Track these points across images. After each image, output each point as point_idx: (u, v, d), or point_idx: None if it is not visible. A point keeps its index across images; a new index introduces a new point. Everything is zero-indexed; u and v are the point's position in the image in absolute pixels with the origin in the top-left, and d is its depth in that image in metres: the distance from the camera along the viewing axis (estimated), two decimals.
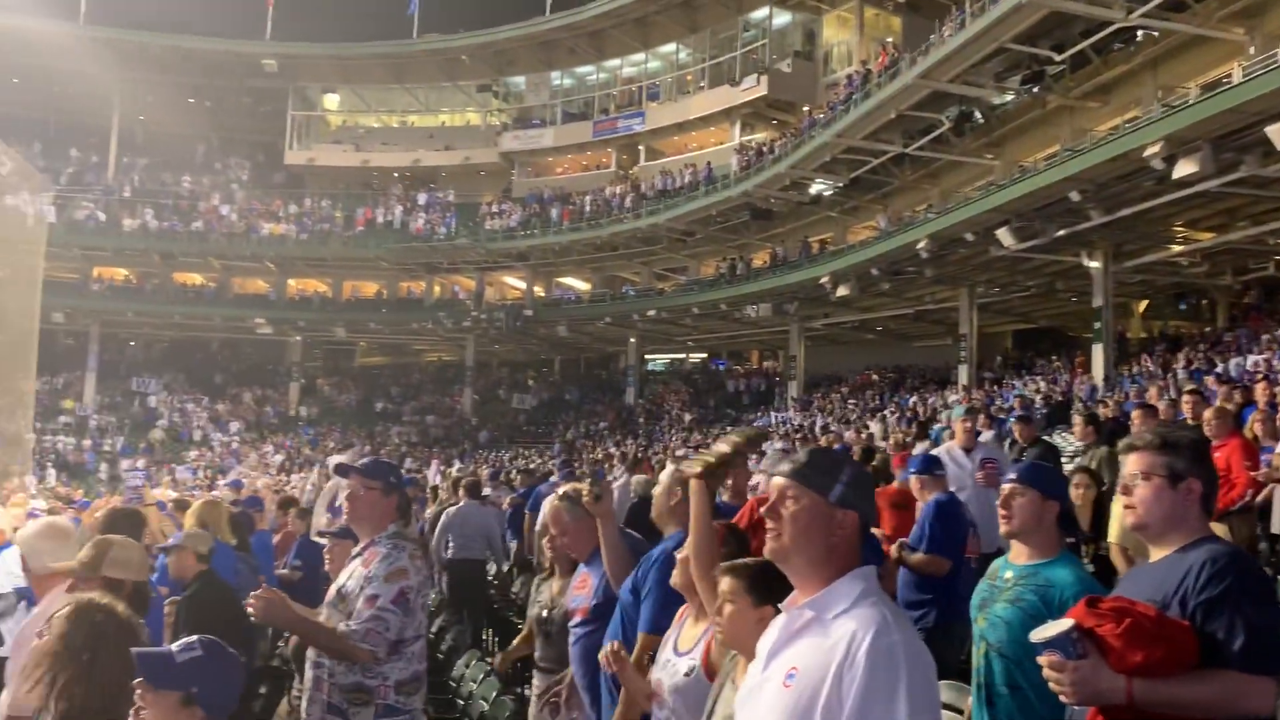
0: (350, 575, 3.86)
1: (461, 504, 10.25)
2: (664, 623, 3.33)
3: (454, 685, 6.06)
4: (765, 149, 30.46)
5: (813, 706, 1.96)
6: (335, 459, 17.36)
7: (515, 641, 5.30)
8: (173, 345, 43.39)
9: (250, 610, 3.59)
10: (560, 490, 4.62)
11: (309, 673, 3.87)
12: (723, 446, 3.33)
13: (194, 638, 2.52)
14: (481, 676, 5.62)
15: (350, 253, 39.96)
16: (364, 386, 42.69)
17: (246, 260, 40.57)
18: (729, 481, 5.13)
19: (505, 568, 11.48)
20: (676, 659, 3.11)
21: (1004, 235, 19.76)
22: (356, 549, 3.95)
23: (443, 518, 10.15)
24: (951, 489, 6.31)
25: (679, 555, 3.24)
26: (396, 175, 42.60)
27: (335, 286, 42.27)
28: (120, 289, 40.92)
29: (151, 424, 38.24)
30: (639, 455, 19.26)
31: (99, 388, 39.91)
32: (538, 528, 7.81)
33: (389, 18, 61.54)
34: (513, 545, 11.53)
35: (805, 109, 30.23)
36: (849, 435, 18.12)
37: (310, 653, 3.85)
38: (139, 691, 2.41)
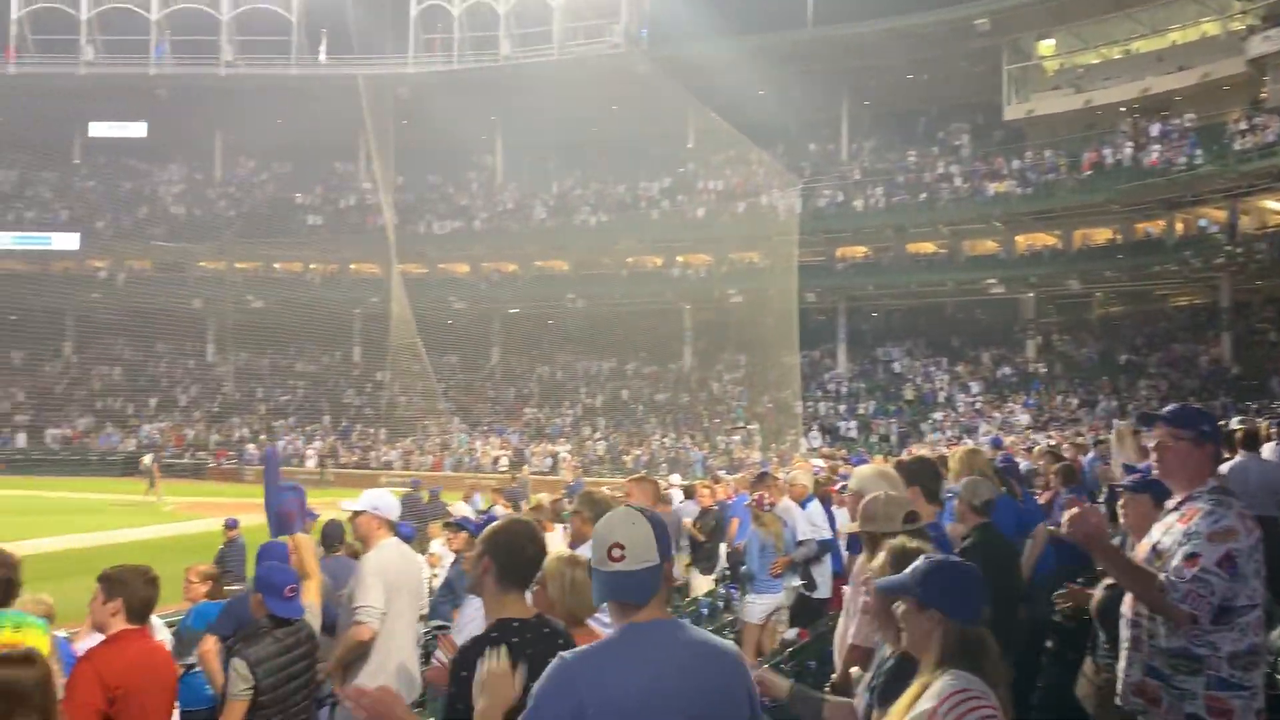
0: (1166, 531, 3.59)
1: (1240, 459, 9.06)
2: None
3: None
4: None
5: None
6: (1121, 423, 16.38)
7: None
8: (910, 313, 45.77)
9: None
10: None
11: (1124, 632, 3.69)
12: None
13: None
14: None
15: (1078, 200, 38.27)
16: (1104, 339, 40.45)
17: (974, 223, 41.22)
18: None
19: None
20: None
21: None
22: (1171, 503, 3.66)
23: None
24: None
25: None
26: (1123, 110, 39.61)
27: (1065, 238, 40.83)
28: (860, 265, 44.48)
29: (898, 389, 40.85)
30: None
31: (849, 357, 43.87)
32: None
33: None
34: None
35: None
36: None
37: (1126, 609, 3.67)
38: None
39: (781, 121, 45.56)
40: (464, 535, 7.75)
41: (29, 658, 2.93)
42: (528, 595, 3.30)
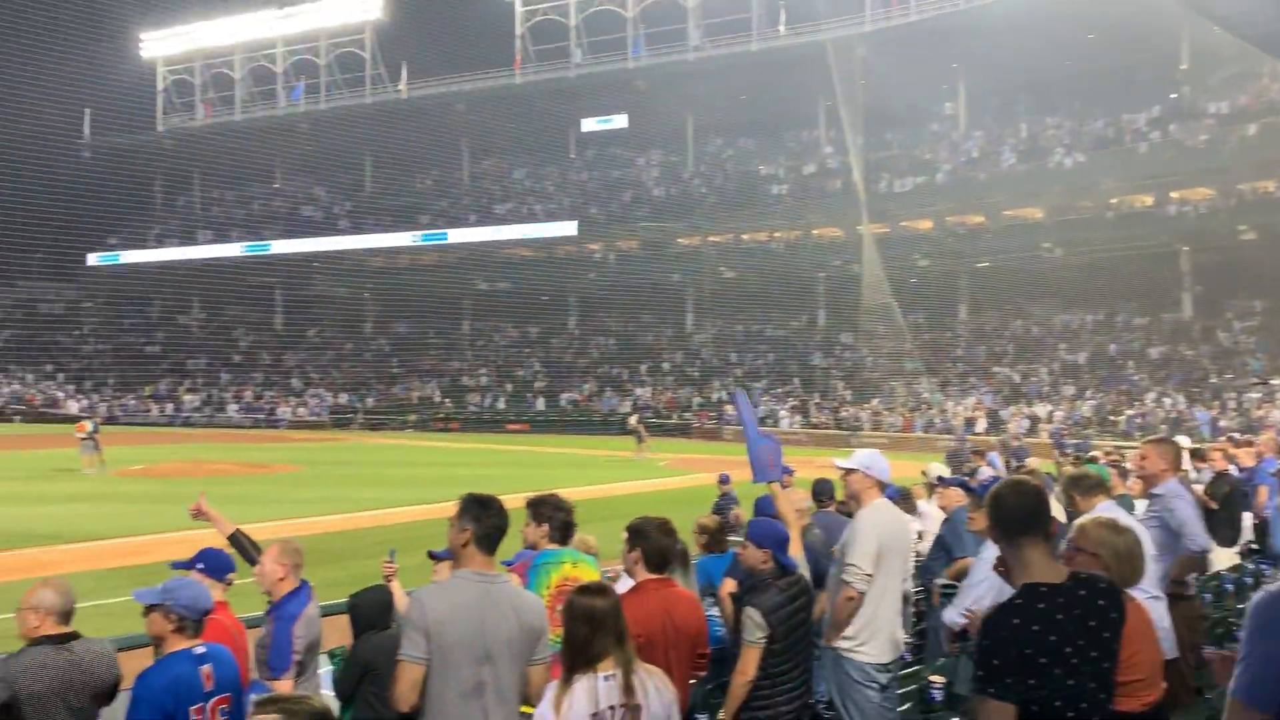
0: None
1: None
2: None
3: None
4: None
5: None
6: None
7: None
8: None
9: None
10: None
11: None
12: None
13: None
14: None
15: None
16: None
17: None
18: None
19: None
20: None
21: None
22: None
23: None
24: None
25: None
26: None
27: None
28: None
29: None
30: None
31: None
32: None
33: None
34: None
35: None
36: None
37: None
38: None
39: None
40: (954, 492, 7.61)
41: (603, 589, 3.45)
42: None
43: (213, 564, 4.70)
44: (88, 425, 28.72)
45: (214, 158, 61.58)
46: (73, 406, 51.50)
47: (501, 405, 51.36)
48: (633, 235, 54.91)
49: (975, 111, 50.39)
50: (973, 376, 44.01)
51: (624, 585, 4.49)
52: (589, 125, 59.06)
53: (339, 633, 5.96)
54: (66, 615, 4.05)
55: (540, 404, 50.81)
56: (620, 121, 57.78)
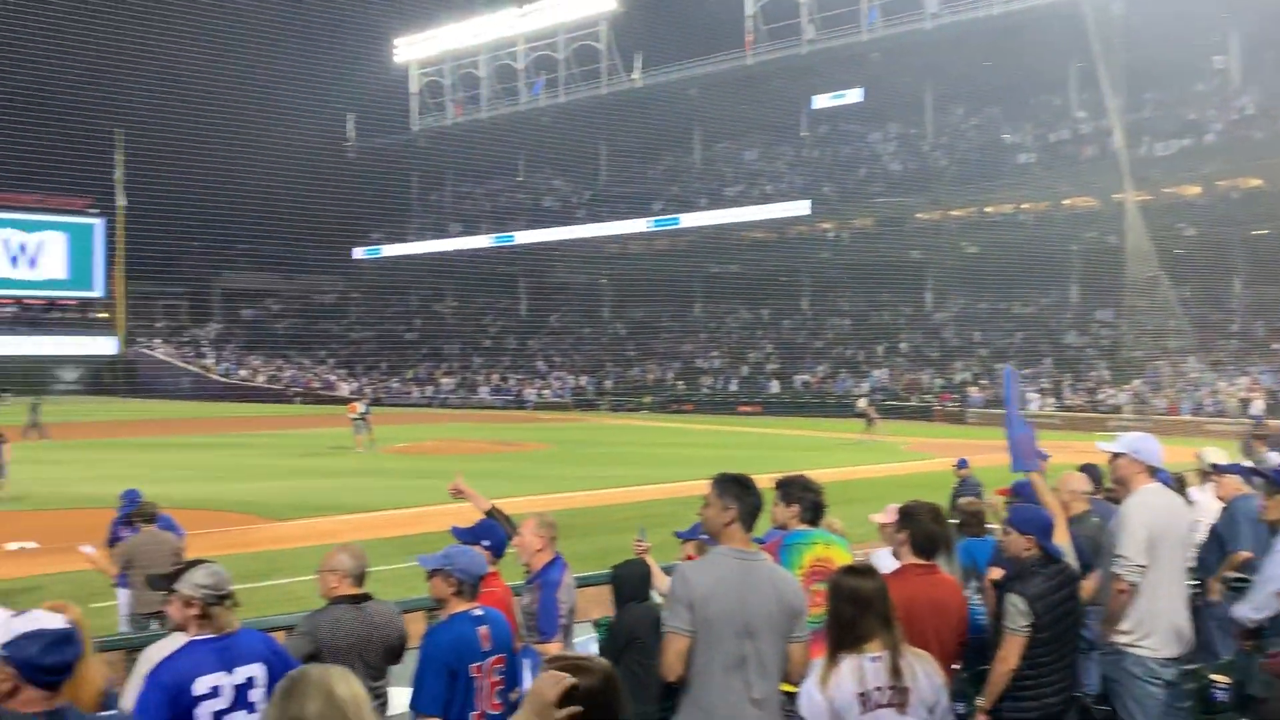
0: None
1: None
2: None
3: None
4: None
5: None
6: None
7: None
8: None
9: None
10: None
11: None
12: None
13: None
14: None
15: None
16: None
17: None
18: None
19: None
20: None
21: None
22: None
23: None
24: None
25: None
26: None
27: None
28: None
29: None
30: None
31: None
32: None
33: None
34: None
35: None
36: None
37: None
38: None
39: None
40: (1232, 480, 7.03)
41: (869, 570, 3.47)
42: None
43: (495, 542, 5.01)
44: (359, 406, 31.19)
45: (463, 154, 65.18)
46: (344, 389, 56.06)
47: (734, 387, 51.63)
48: (868, 212, 53.65)
49: (1249, 64, 45.76)
50: (1249, 354, 40.18)
51: (884, 566, 4.45)
52: (821, 102, 58.13)
53: (591, 603, 6.23)
54: (360, 578, 4.45)
55: (774, 386, 50.66)
56: (854, 96, 56.55)
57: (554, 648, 4.94)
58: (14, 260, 62.11)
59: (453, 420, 43.37)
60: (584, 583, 5.98)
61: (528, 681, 4.55)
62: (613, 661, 4.97)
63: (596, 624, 5.10)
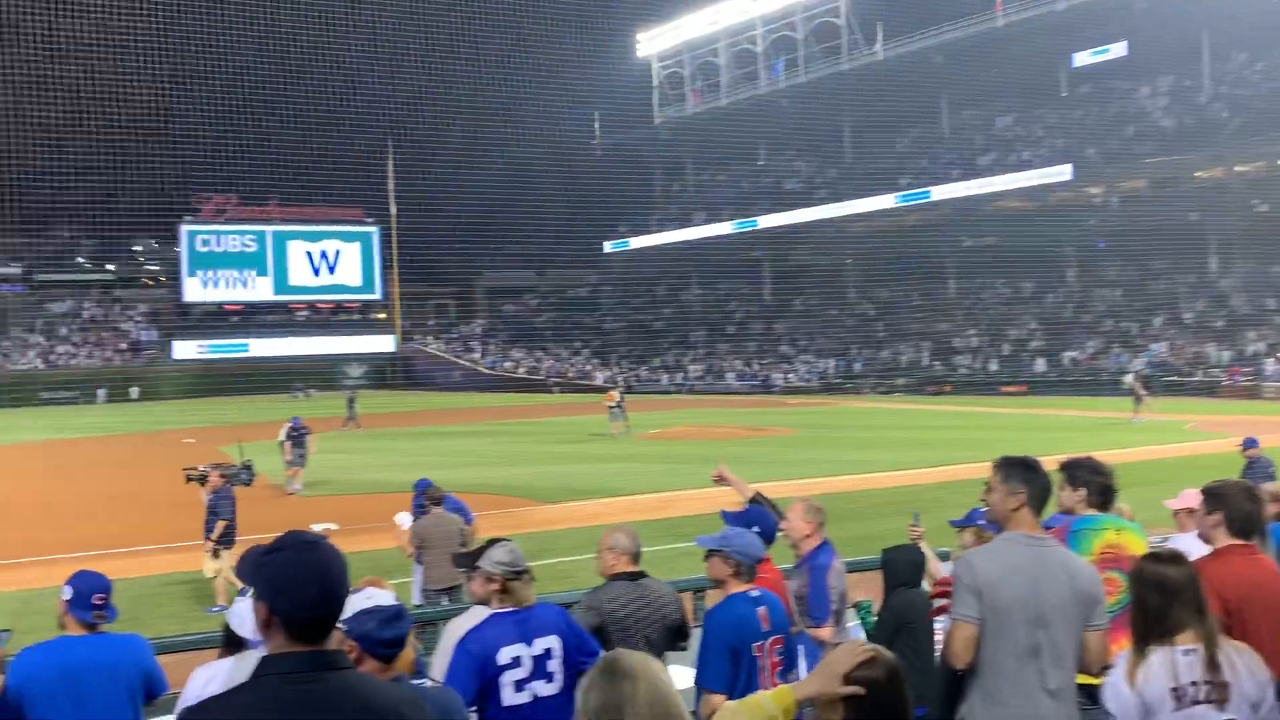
0: None
1: None
2: None
3: None
4: None
5: None
6: None
7: None
8: None
9: None
10: None
11: None
12: None
13: None
14: None
15: None
16: None
17: None
18: None
19: None
20: None
21: None
22: None
23: None
24: None
25: None
26: None
27: None
28: None
29: None
30: None
31: None
32: None
33: None
34: None
35: None
36: None
37: None
38: None
39: None
40: None
41: (1177, 557, 3.23)
42: None
43: (765, 527, 5.05)
44: (615, 395, 32.26)
45: (704, 143, 65.82)
46: (598, 378, 58.11)
47: (994, 367, 49.30)
48: (1138, 173, 49.66)
49: None
50: None
51: (1190, 546, 4.13)
52: (1081, 59, 54.40)
53: (856, 588, 6.15)
54: (636, 556, 4.62)
55: (1040, 365, 47.94)
56: (1118, 50, 52.51)
57: (825, 633, 4.93)
58: (315, 270, 68.91)
59: (700, 406, 43.94)
60: (852, 568, 5.92)
61: (803, 667, 4.57)
62: (885, 647, 4.92)
63: (856, 606, 5.05)
